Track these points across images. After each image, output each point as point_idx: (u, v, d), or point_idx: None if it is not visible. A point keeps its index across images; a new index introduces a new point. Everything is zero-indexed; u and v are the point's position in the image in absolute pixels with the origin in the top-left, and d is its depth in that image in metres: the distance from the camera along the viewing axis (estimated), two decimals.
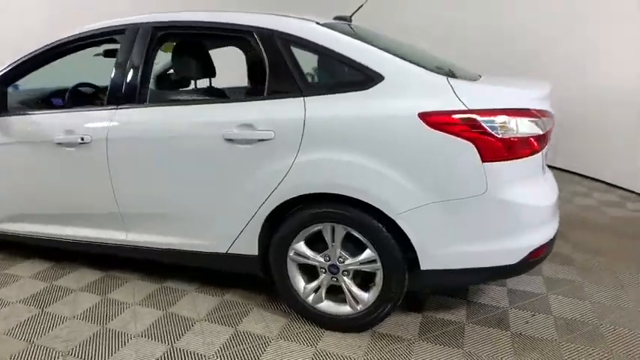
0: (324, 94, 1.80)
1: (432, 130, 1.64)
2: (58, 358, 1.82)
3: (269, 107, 1.86)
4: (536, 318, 2.02)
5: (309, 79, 1.86)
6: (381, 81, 1.75)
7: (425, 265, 1.75)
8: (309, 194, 1.81)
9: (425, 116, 1.64)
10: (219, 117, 1.92)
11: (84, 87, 2.93)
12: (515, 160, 1.64)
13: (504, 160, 1.63)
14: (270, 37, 1.90)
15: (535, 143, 1.67)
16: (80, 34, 2.24)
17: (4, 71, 2.35)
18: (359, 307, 1.91)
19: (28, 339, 1.93)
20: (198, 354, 1.83)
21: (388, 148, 1.69)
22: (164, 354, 1.83)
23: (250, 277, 2.20)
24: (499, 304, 2.13)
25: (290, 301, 2.04)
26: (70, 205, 2.31)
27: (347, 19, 2.24)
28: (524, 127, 1.65)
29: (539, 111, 1.70)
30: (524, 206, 1.69)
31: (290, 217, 1.89)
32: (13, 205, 2.47)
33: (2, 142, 2.32)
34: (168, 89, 2.68)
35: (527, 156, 1.66)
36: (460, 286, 2.17)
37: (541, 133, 1.68)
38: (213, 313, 2.11)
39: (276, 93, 1.88)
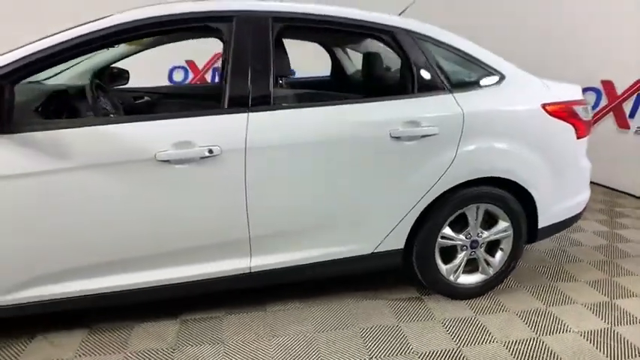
0: (466, 90, 2.04)
1: (550, 116, 2.12)
2: None
3: (429, 104, 1.96)
4: None
5: (448, 77, 2.04)
6: (504, 79, 2.11)
7: (541, 223, 2.23)
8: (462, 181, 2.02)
9: (545, 106, 2.11)
10: (383, 115, 1.88)
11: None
12: (585, 137, 2.29)
13: (583, 137, 2.25)
14: (410, 37, 1.99)
15: (590, 125, 2.36)
16: (154, 16, 1.71)
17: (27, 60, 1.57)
18: (491, 272, 2.24)
19: None
20: None
21: (523, 133, 2.08)
22: None
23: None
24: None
25: (434, 283, 2.18)
26: (167, 239, 1.75)
27: None
28: (588, 113, 2.31)
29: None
30: (587, 170, 2.36)
31: (444, 204, 2.04)
32: (60, 257, 1.66)
33: (47, 170, 1.56)
34: (303, 88, 2.28)
35: (588, 134, 2.33)
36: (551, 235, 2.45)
37: (591, 118, 2.38)
38: None
39: (425, 90, 1.99)
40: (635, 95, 3.84)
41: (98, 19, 1.69)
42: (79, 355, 1.79)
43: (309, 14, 1.89)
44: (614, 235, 3.07)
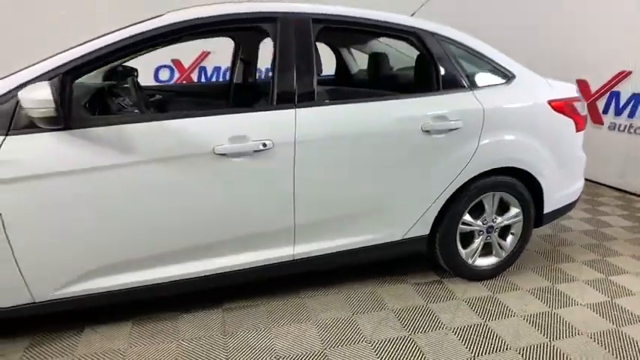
0: (483, 87, 2.23)
1: (554, 112, 2.35)
2: None
3: (453, 100, 2.13)
4: None
5: (468, 75, 2.22)
6: (514, 78, 2.32)
7: (546, 209, 2.46)
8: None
9: (551, 102, 2.33)
10: (415, 110, 2.04)
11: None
12: (582, 131, 2.53)
13: (580, 130, 2.50)
14: (436, 39, 2.16)
15: (586, 120, 2.62)
16: (208, 16, 1.79)
17: (75, 63, 1.61)
18: (504, 255, 2.45)
19: None
20: None
21: (533, 126, 2.29)
22: None
23: None
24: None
25: (455, 267, 2.36)
26: (222, 229, 1.84)
27: None
28: (585, 109, 2.56)
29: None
30: (583, 160, 2.61)
31: (465, 193, 2.22)
32: (117, 249, 1.72)
33: (111, 164, 1.61)
34: (339, 84, 2.37)
35: (584, 129, 2.58)
36: (553, 220, 2.68)
37: (586, 114, 2.63)
38: None
39: (449, 87, 2.16)
40: (607, 93, 4.20)
41: (151, 18, 1.75)
42: (132, 346, 1.84)
43: (346, 16, 2.02)
44: (598, 222, 3.38)
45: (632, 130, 4.00)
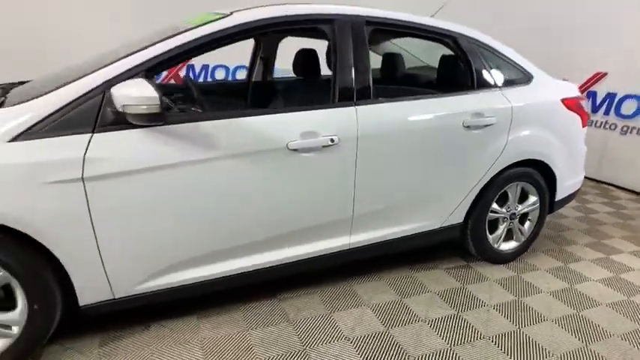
0: (508, 87, 2.45)
1: (566, 109, 2.61)
2: None
3: (487, 98, 2.33)
4: None
5: (496, 76, 2.43)
6: (532, 79, 2.56)
7: (558, 197, 2.73)
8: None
9: (564, 100, 2.60)
10: (457, 108, 2.22)
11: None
12: (585, 127, 2.82)
13: (585, 126, 2.78)
14: (469, 42, 2.35)
15: (588, 117, 2.91)
16: (273, 17, 1.87)
17: (153, 62, 1.65)
18: (522, 239, 2.69)
19: None
20: None
21: (549, 122, 2.54)
22: None
23: None
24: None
25: (483, 251, 2.57)
26: (288, 222, 1.93)
27: None
28: (588, 106, 2.85)
29: None
30: (585, 152, 2.91)
31: (494, 183, 2.43)
32: (184, 246, 1.76)
33: (184, 161, 1.66)
34: (388, 84, 2.49)
35: (586, 125, 2.86)
36: (562, 207, 2.94)
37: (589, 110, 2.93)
38: None
39: (482, 87, 2.36)
40: (584, 93, 4.60)
41: (218, 19, 1.81)
42: (204, 337, 1.89)
43: (394, 19, 2.17)
44: (586, 209, 3.74)
45: (607, 127, 4.43)
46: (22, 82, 2.15)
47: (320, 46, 2.43)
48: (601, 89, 4.45)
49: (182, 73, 5.88)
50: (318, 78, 2.54)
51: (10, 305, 1.56)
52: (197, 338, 1.88)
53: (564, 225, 3.35)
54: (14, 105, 1.51)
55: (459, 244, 2.61)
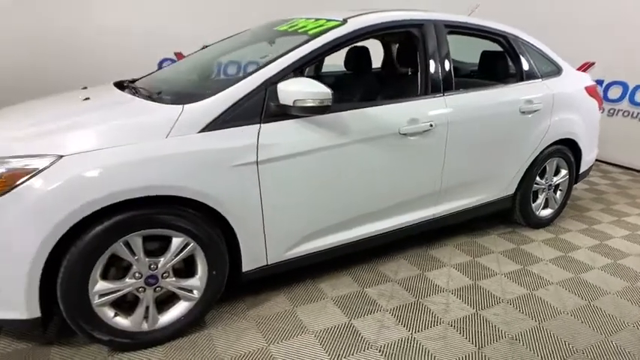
0: (547, 77, 2.90)
1: (588, 95, 3.11)
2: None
3: (534, 88, 2.77)
4: None
5: (538, 69, 2.87)
6: (562, 70, 3.03)
7: (581, 170, 3.23)
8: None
9: (586, 88, 3.09)
10: (515, 96, 2.65)
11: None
12: (600, 110, 3.33)
13: (600, 109, 3.30)
14: (515, 40, 2.78)
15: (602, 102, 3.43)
16: (375, 24, 2.21)
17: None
18: (556, 206, 3.18)
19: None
20: None
21: (577, 107, 3.02)
22: None
23: None
24: None
25: (528, 218, 3.03)
26: (397, 194, 2.28)
27: None
28: (601, 93, 3.37)
29: None
30: (598, 132, 3.43)
31: (539, 159, 2.88)
32: (323, 216, 2.08)
33: (335, 145, 1.98)
34: (461, 77, 2.78)
35: (601, 108, 3.38)
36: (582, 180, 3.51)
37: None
38: None
39: (529, 78, 2.80)
40: None
41: (337, 26, 2.12)
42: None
43: (463, 22, 2.56)
44: (588, 182, 4.31)
45: None
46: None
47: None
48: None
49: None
50: (370, 72, 2.94)
51: (189, 273, 1.83)
52: (328, 297, 2.20)
53: (576, 195, 3.89)
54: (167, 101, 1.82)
55: (505, 213, 3.05)
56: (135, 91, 2.10)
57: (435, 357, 1.82)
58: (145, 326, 1.77)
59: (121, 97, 2.05)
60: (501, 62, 2.80)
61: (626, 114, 4.81)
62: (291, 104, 1.78)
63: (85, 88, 2.48)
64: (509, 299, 2.25)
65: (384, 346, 1.87)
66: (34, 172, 1.49)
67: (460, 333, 1.97)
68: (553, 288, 2.37)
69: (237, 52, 2.76)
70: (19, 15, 4.37)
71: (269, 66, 1.90)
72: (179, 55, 5.88)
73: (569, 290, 2.36)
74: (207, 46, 2.84)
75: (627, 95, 4.79)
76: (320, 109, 1.80)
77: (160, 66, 5.76)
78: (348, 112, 2.03)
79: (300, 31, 2.25)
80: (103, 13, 4.79)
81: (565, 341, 1.95)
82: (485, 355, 1.84)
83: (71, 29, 4.63)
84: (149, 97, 1.94)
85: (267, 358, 1.77)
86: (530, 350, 1.88)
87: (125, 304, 1.74)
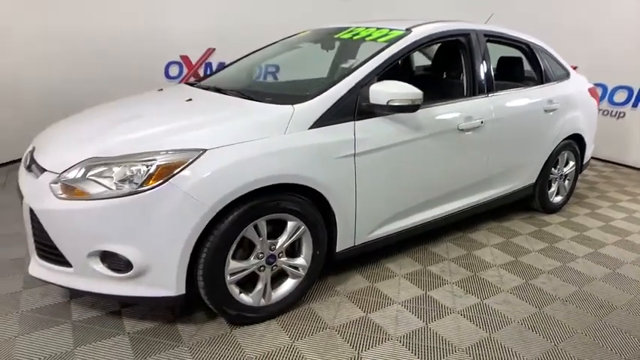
0: (559, 81, 3.33)
1: (590, 96, 3.58)
2: None
3: (552, 89, 3.18)
4: None
5: (553, 73, 3.29)
6: (569, 75, 3.48)
7: (584, 161, 3.70)
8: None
9: (589, 90, 3.56)
10: (541, 96, 3.05)
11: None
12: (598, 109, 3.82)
13: (598, 108, 3.78)
14: (534, 46, 3.19)
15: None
16: (434, 33, 2.53)
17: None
18: (565, 194, 3.62)
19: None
20: None
21: (582, 106, 3.47)
22: None
23: None
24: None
25: (544, 203, 3.44)
26: (454, 183, 2.61)
27: None
28: (599, 93, 3.85)
29: None
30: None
31: (554, 152, 3.29)
32: (399, 202, 2.37)
33: (411, 139, 2.28)
34: (497, 80, 3.00)
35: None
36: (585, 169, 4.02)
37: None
38: None
39: (548, 80, 3.21)
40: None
41: (403, 35, 2.42)
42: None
43: (496, 32, 2.93)
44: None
45: None
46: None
47: None
48: None
49: (201, 72, 6.17)
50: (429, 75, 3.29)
51: (294, 254, 2.07)
52: (399, 275, 2.49)
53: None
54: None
55: (525, 200, 3.45)
56: (224, 92, 2.32)
57: (506, 316, 2.15)
58: (263, 301, 1.99)
59: (222, 98, 2.26)
60: (520, 66, 3.20)
61: (606, 113, 5.39)
62: (385, 103, 2.06)
63: (161, 90, 2.65)
64: (549, 270, 2.63)
65: (462, 310, 2.18)
66: (186, 165, 1.69)
67: (519, 298, 2.32)
68: (581, 261, 2.78)
69: (293, 57, 3.00)
70: (30, 21, 4.38)
71: (358, 70, 2.17)
72: (185, 59, 6.02)
73: (594, 262, 2.77)
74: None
75: (607, 96, 5.37)
76: (411, 108, 2.09)
77: (167, 69, 5.88)
78: (421, 110, 2.33)
79: (367, 39, 2.53)
80: (105, 17, 4.84)
81: (605, 300, 2.34)
82: (545, 313, 2.19)
83: (83, 33, 4.67)
84: (248, 98, 2.16)
85: (369, 324, 2.04)
86: (578, 307, 2.25)
87: (242, 283, 1.96)
